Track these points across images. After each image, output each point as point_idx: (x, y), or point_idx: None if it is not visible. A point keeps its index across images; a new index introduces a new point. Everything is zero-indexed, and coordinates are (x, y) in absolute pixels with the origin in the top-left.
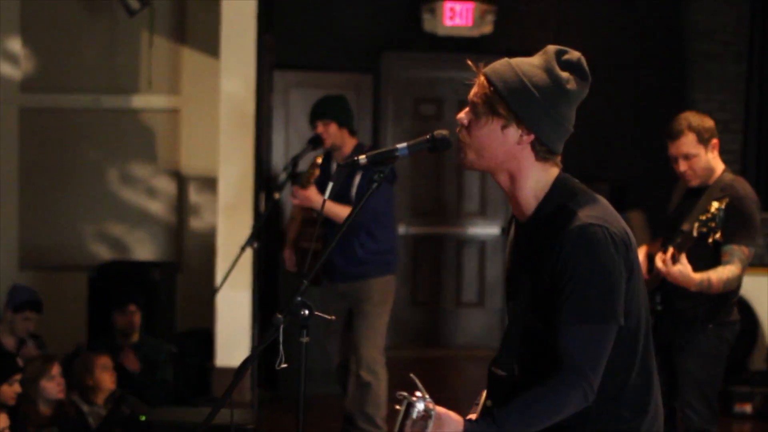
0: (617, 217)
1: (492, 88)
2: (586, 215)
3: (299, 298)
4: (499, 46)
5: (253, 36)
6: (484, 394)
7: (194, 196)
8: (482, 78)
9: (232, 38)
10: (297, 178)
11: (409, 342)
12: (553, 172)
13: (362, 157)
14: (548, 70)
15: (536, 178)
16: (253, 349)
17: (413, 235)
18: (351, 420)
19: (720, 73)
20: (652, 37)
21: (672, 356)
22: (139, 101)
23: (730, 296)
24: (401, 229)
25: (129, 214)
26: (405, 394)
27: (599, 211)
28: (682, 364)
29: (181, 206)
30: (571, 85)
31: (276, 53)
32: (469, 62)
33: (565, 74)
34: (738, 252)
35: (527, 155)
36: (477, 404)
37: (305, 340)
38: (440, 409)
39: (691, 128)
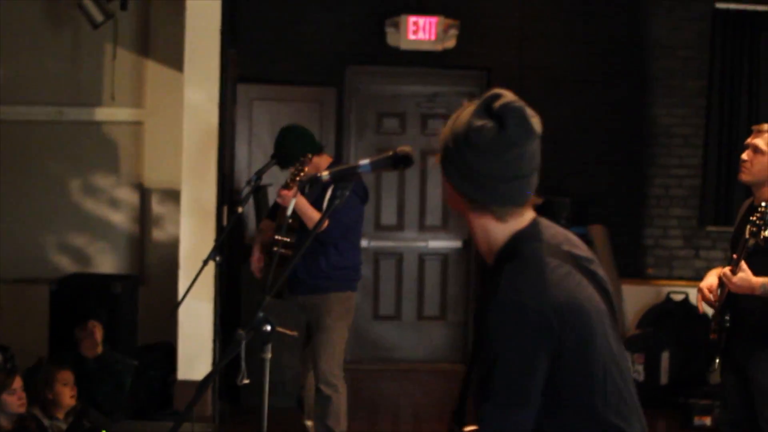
0: (553, 283)
1: (445, 177)
2: (505, 286)
3: (261, 314)
4: (462, 61)
5: (217, 49)
6: None
7: (157, 208)
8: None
9: (196, 51)
10: (261, 191)
11: (371, 355)
12: (512, 225)
13: (325, 173)
14: (467, 121)
15: (484, 232)
16: (215, 364)
17: (375, 248)
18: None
19: (681, 88)
20: (614, 52)
21: (747, 375)
22: (102, 114)
23: None
24: (363, 243)
25: (91, 226)
26: None
27: (526, 278)
28: (756, 381)
29: (144, 219)
30: (482, 135)
31: (240, 67)
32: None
33: (480, 122)
34: None
35: (490, 223)
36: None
37: (268, 356)
38: None
39: None
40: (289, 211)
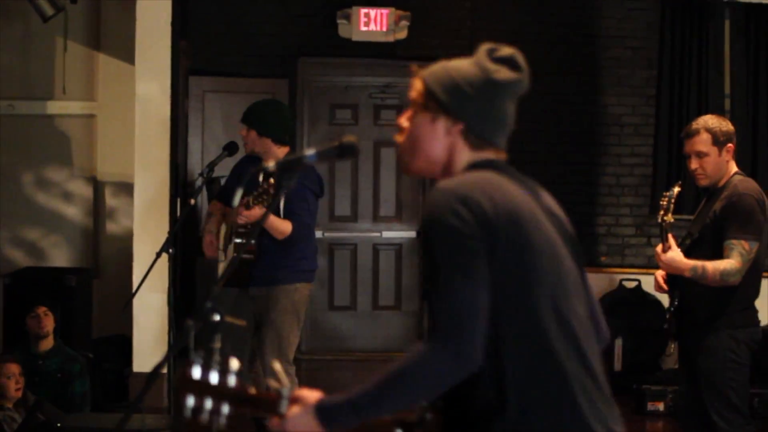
0: (490, 188)
1: (424, 86)
2: (440, 184)
3: (209, 304)
4: (414, 52)
5: (168, 41)
6: None
7: (110, 201)
8: (417, 79)
9: (147, 44)
10: (214, 183)
11: (327, 346)
12: (486, 155)
13: (271, 164)
14: (476, 63)
15: (464, 164)
16: (165, 354)
17: (329, 239)
18: (259, 423)
19: (631, 78)
20: (564, 42)
21: (695, 360)
22: (54, 107)
23: (740, 297)
24: (318, 234)
25: (45, 219)
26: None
27: (461, 180)
28: (700, 367)
29: (98, 211)
30: (500, 75)
31: (192, 59)
32: (414, 68)
33: (493, 66)
34: (738, 246)
35: (461, 147)
36: None
37: (217, 346)
38: (300, 390)
39: (707, 129)
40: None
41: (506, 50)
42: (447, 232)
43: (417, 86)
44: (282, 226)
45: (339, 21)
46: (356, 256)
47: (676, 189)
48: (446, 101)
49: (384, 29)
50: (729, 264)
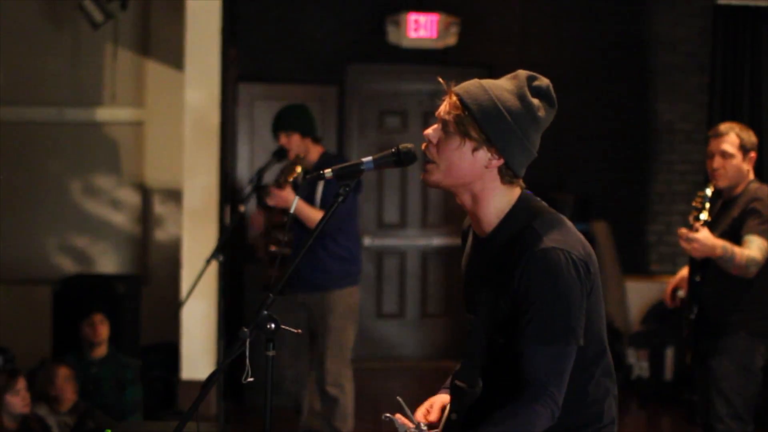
0: (579, 239)
1: (466, 111)
2: (549, 239)
3: (265, 312)
4: (464, 58)
5: (217, 48)
6: (448, 403)
7: (159, 208)
8: (454, 98)
9: (196, 51)
10: (263, 189)
11: (375, 354)
12: (515, 192)
13: (328, 171)
14: (520, 96)
15: (499, 199)
16: (220, 363)
17: (378, 246)
18: None
19: (683, 84)
20: (615, 48)
21: (708, 369)
22: (103, 114)
23: (762, 305)
24: (366, 241)
25: (93, 226)
26: (391, 416)
27: (562, 235)
28: (711, 373)
29: (146, 219)
30: (541, 113)
31: (240, 65)
32: (440, 79)
33: (536, 101)
34: (757, 240)
35: (493, 178)
36: (446, 387)
37: (272, 353)
38: None
39: (737, 133)
40: (292, 209)
41: (544, 81)
42: (568, 297)
43: (456, 106)
44: (312, 214)
45: (388, 27)
46: (405, 263)
47: (710, 189)
48: (492, 135)
49: (434, 35)
50: (753, 253)
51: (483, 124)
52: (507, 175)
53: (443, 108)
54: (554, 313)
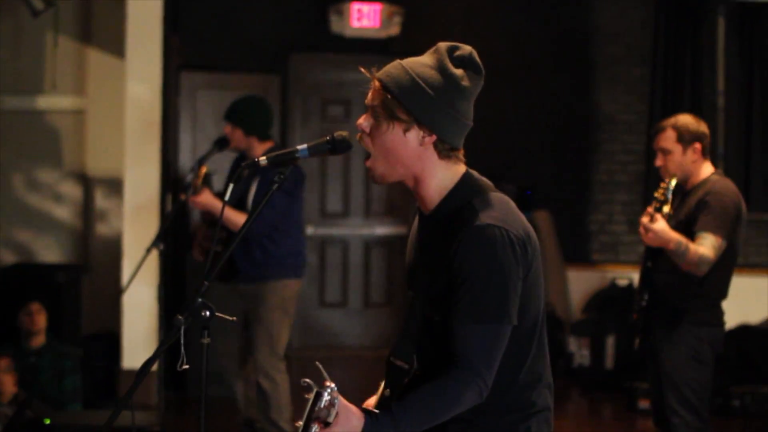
0: (519, 219)
1: (389, 94)
2: (486, 215)
3: (200, 300)
4: (407, 48)
5: (158, 37)
6: (382, 383)
7: (100, 197)
8: (377, 83)
9: (138, 39)
10: (189, 187)
11: (318, 343)
12: (458, 169)
13: (263, 159)
14: (441, 69)
15: (441, 176)
16: (155, 351)
17: (320, 235)
18: (250, 423)
19: (625, 75)
20: (558, 39)
21: (657, 356)
22: (43, 102)
23: (710, 295)
24: (309, 230)
25: (34, 216)
26: (309, 381)
27: (500, 212)
28: (662, 363)
29: (87, 208)
30: (466, 82)
31: (183, 54)
32: (362, 69)
33: (458, 71)
34: (710, 238)
35: (431, 155)
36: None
37: (206, 341)
38: (342, 400)
39: (674, 126)
40: (221, 211)
41: (466, 49)
42: (502, 275)
43: (379, 91)
44: (234, 217)
45: (331, 17)
46: (348, 253)
47: (674, 181)
48: (418, 114)
49: (377, 25)
50: (705, 251)
51: (407, 103)
52: (444, 149)
53: (370, 96)
54: (487, 291)
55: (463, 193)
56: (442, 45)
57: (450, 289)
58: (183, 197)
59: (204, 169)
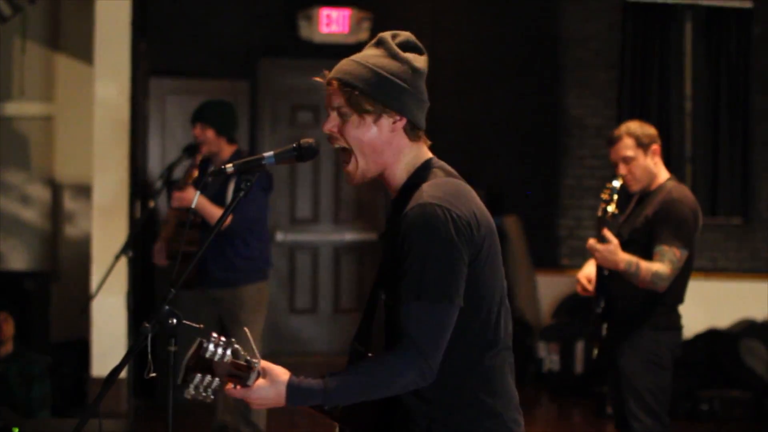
0: (470, 202)
1: (354, 90)
2: (430, 195)
3: (167, 307)
4: None
5: (127, 42)
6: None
7: (69, 203)
8: (335, 83)
9: (106, 44)
10: (173, 185)
11: (288, 349)
12: (424, 153)
13: (229, 166)
14: (394, 56)
15: (408, 160)
16: (122, 359)
17: (290, 242)
18: (223, 429)
19: (593, 79)
20: (526, 43)
21: (616, 364)
22: (11, 108)
23: (666, 300)
24: (279, 236)
25: (1, 222)
26: (201, 327)
27: (445, 193)
28: (621, 368)
29: (56, 214)
30: (418, 63)
31: (151, 60)
32: (316, 78)
33: (409, 54)
34: (669, 253)
35: (401, 138)
36: None
37: (173, 348)
38: (265, 363)
39: (629, 133)
40: (193, 205)
41: (404, 34)
42: (443, 252)
43: (341, 90)
44: (213, 211)
45: (300, 22)
46: (317, 259)
47: (619, 182)
48: (387, 101)
49: (346, 30)
50: (660, 268)
51: (375, 94)
52: (413, 131)
53: (329, 98)
54: (425, 268)
55: (421, 176)
56: (384, 35)
57: (397, 271)
58: (152, 204)
59: (195, 172)
